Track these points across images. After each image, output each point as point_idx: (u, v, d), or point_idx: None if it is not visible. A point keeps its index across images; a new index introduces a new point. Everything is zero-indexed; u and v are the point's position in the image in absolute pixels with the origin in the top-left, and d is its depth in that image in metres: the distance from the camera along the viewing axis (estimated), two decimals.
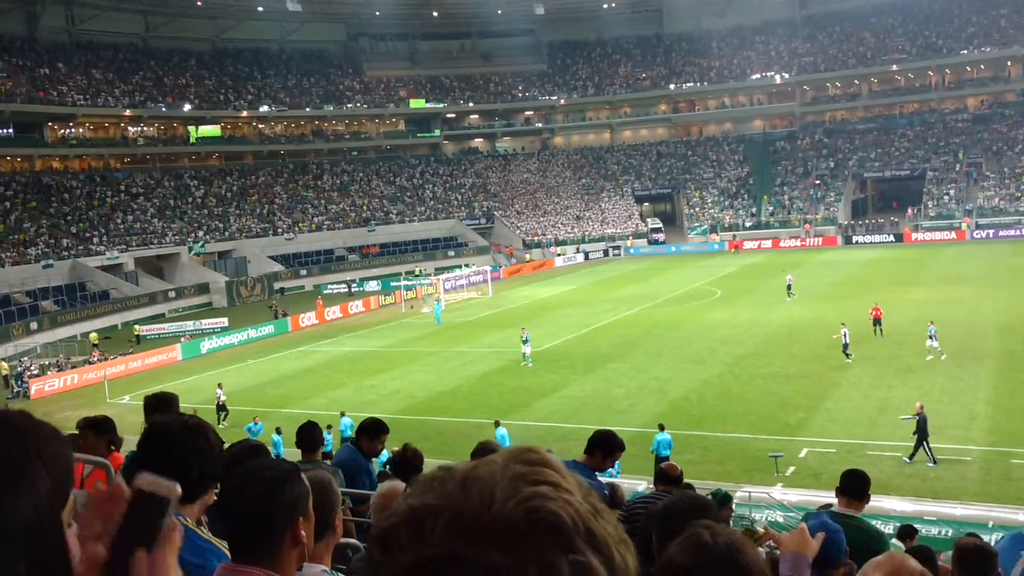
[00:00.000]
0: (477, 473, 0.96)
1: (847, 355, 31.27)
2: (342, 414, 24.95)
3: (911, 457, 21.08)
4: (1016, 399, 25.19)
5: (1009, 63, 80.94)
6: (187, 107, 77.29)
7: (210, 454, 2.76)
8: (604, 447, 6.32)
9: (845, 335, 31.53)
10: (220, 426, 26.61)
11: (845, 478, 6.43)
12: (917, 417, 21.27)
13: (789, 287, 47.06)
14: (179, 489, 1.37)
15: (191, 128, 79.04)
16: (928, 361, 30.26)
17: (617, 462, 19.09)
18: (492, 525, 0.90)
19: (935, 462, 20.83)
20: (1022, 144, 76.14)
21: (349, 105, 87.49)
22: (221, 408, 29.70)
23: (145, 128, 77.16)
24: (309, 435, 7.17)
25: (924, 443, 21.02)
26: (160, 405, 5.13)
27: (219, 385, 31.38)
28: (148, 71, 79.03)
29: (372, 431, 7.15)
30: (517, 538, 0.89)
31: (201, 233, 69.37)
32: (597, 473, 6.38)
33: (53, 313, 52.85)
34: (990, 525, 14.64)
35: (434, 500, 0.94)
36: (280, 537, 2.30)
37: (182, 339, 46.89)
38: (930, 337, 30.75)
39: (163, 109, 76.27)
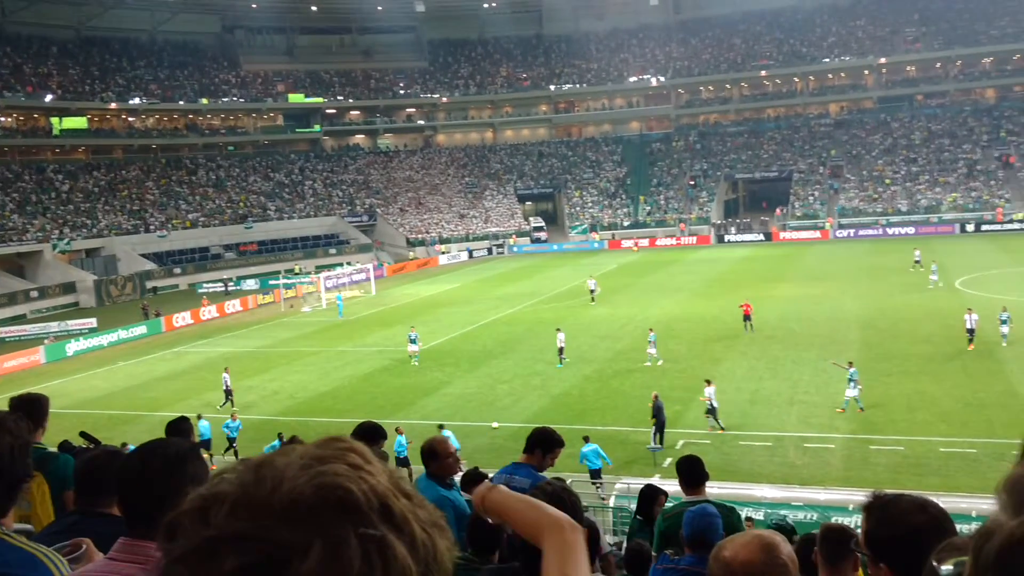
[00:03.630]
0: (273, 460, 0.96)
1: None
2: (199, 416, 24.29)
3: (658, 444, 22.81)
4: (874, 389, 26.69)
5: (866, 72, 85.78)
6: (49, 97, 73.42)
7: (12, 457, 2.36)
8: (544, 444, 6.10)
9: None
10: (219, 408, 28.69)
11: (684, 467, 6.41)
12: (652, 405, 23.23)
13: (592, 292, 46.93)
14: None
15: (54, 120, 75.10)
16: (646, 367, 31.51)
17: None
18: (279, 504, 0.89)
19: (659, 448, 22.62)
20: (879, 149, 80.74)
21: (225, 99, 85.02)
22: (228, 393, 29.61)
23: (3, 118, 72.86)
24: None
25: (658, 428, 22.92)
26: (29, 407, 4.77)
27: (225, 369, 30.78)
28: (4, 57, 74.66)
29: (370, 436, 6.05)
30: (303, 514, 0.89)
31: (67, 230, 66.02)
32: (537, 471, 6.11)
33: None
34: (851, 508, 15.48)
35: (224, 487, 0.93)
36: None
37: (45, 341, 44.68)
38: (650, 344, 32.05)
39: (22, 99, 72.26)
